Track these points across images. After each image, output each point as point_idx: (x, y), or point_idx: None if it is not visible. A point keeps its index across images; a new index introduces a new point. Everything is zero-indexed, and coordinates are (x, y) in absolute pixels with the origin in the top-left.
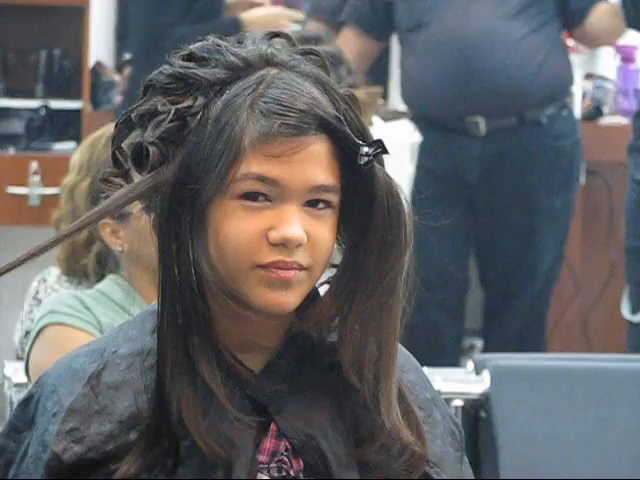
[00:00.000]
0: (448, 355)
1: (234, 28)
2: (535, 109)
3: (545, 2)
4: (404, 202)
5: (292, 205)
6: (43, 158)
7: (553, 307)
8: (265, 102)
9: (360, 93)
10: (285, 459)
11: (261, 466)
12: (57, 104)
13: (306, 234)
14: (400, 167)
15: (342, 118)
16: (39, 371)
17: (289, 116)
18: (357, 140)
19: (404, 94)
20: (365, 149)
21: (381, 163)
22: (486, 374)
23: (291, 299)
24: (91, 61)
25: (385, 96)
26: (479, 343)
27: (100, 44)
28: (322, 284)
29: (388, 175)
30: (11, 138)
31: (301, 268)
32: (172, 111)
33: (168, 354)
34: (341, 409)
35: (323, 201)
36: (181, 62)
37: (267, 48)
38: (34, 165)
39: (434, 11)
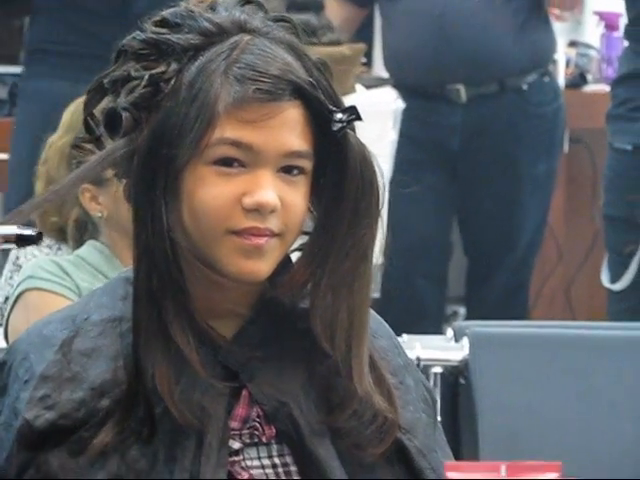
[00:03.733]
0: (431, 323)
1: None
2: (516, 76)
3: None
4: (377, 169)
5: (266, 171)
6: None
7: (536, 275)
8: (239, 68)
9: (344, 49)
10: (257, 426)
11: (233, 432)
12: None
13: (279, 200)
14: (383, 134)
15: (315, 84)
16: (18, 336)
17: (263, 81)
18: (330, 106)
19: (385, 62)
20: (339, 115)
21: (354, 130)
22: (465, 341)
23: (263, 266)
24: None
25: (369, 63)
26: (462, 310)
27: None
28: (294, 251)
29: (361, 142)
30: None
31: (273, 235)
32: (146, 77)
33: (143, 320)
34: (313, 376)
35: (297, 167)
36: (154, 28)
37: (240, 14)
38: None
39: None
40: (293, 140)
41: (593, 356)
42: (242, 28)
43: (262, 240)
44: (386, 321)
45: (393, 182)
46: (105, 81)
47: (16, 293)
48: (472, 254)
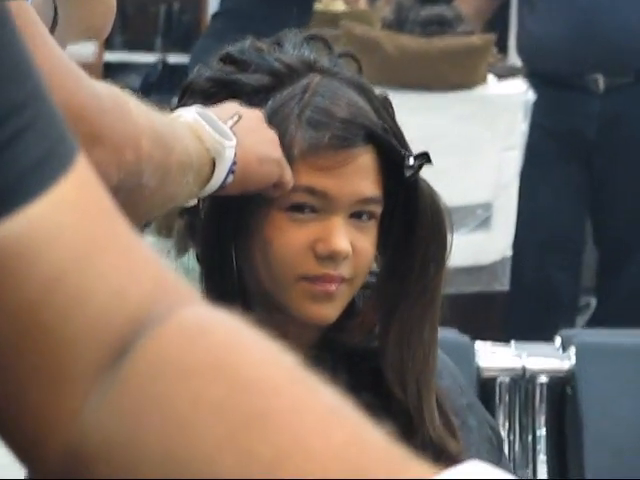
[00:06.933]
0: (565, 315)
1: None
2: None
3: None
4: (445, 214)
5: (338, 217)
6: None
7: None
8: (312, 111)
9: (474, 39)
10: None
11: None
12: (175, 58)
13: (351, 246)
14: (513, 125)
15: (387, 128)
16: None
17: (337, 127)
18: (402, 151)
19: (522, 50)
20: (411, 161)
21: (428, 159)
22: (572, 350)
23: (332, 311)
24: (209, 15)
25: (505, 51)
26: (593, 301)
27: None
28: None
29: (431, 186)
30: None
31: (344, 280)
32: None
33: None
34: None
35: (367, 212)
36: (220, 65)
37: (309, 54)
38: None
39: None
40: (366, 186)
41: None
42: (312, 68)
43: (333, 287)
44: (519, 314)
45: (525, 173)
46: None
47: None
48: (604, 245)
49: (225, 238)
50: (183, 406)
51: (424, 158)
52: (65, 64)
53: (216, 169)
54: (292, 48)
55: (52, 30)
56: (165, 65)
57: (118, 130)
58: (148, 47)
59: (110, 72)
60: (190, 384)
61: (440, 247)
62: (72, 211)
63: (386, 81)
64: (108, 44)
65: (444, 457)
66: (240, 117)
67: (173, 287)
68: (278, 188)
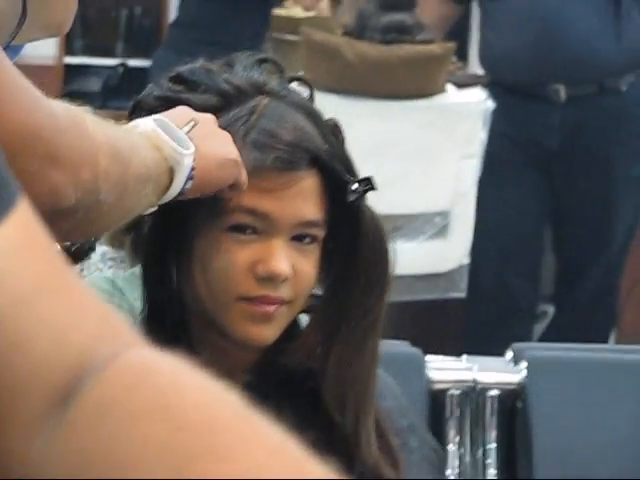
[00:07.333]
0: (523, 322)
1: None
2: (614, 77)
3: None
4: (388, 239)
5: (279, 239)
6: (120, 116)
7: (626, 279)
8: (257, 133)
9: (434, 47)
10: None
11: None
12: (136, 62)
13: (292, 268)
14: (473, 134)
15: (332, 152)
16: None
17: (281, 149)
18: (346, 176)
19: (484, 60)
20: (354, 186)
21: (372, 187)
22: (523, 364)
23: (271, 333)
24: (170, 20)
25: (465, 60)
26: (551, 310)
27: None
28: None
29: (374, 211)
30: (88, 96)
31: (283, 302)
32: None
33: None
34: (317, 440)
35: (309, 235)
36: (170, 84)
37: (258, 76)
38: None
39: None
40: (308, 209)
41: None
42: (260, 90)
43: (272, 308)
44: (477, 321)
45: (483, 181)
46: None
47: None
48: (563, 253)
49: (166, 256)
50: (131, 446)
51: (368, 183)
52: (21, 84)
53: (175, 177)
54: (242, 70)
55: (19, 27)
56: (126, 68)
57: (75, 149)
58: (109, 52)
59: (70, 75)
60: (137, 425)
61: (382, 272)
62: (12, 256)
63: (345, 88)
64: (69, 49)
65: None
66: (196, 123)
67: (116, 330)
68: (234, 189)
